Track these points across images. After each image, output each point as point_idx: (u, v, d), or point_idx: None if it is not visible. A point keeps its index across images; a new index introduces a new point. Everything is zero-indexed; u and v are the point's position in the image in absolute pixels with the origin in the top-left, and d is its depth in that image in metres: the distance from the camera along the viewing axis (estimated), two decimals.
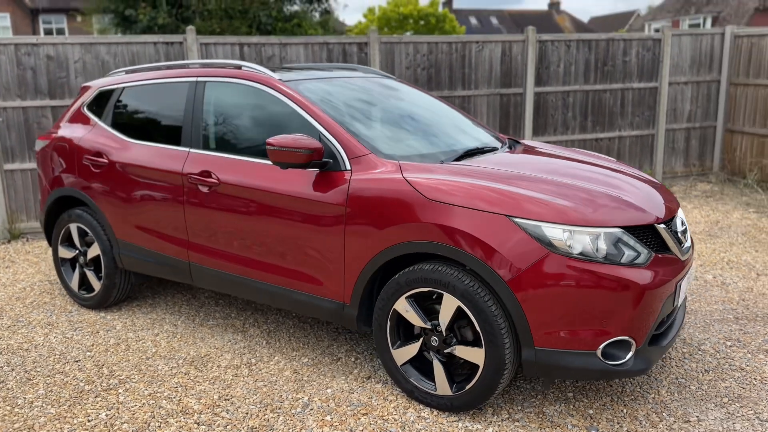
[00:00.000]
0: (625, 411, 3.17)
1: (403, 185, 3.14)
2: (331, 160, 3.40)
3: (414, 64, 7.61)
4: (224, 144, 3.91)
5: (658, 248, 3.05)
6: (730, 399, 3.27)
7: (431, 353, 3.17)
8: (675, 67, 8.75)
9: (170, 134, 4.13)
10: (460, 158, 3.57)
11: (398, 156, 3.41)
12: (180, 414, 3.23)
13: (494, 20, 58.64)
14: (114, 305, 4.69)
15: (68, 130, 4.67)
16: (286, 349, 3.95)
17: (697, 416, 3.11)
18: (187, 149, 3.98)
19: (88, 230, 4.52)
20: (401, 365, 3.27)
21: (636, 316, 2.85)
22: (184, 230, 3.98)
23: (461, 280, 2.97)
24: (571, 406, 3.22)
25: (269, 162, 3.62)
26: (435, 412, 3.17)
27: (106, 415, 3.24)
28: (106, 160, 4.32)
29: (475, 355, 3.00)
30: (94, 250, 4.54)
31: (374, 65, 7.40)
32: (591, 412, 3.17)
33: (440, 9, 43.87)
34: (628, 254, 2.88)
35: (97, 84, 4.73)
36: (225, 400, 3.36)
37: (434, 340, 3.13)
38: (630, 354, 2.89)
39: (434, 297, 3.12)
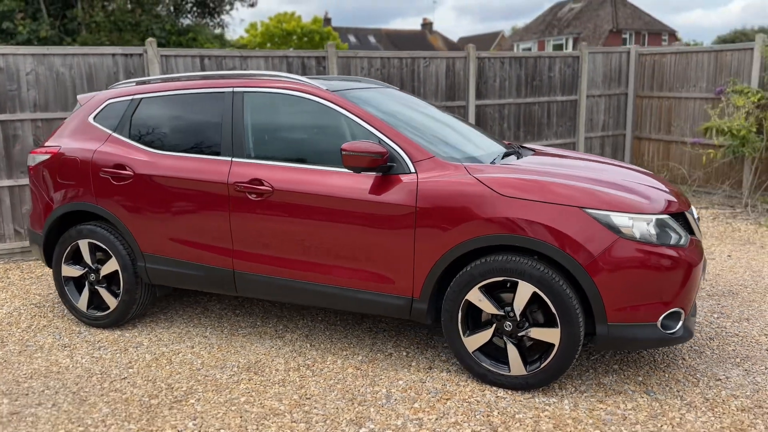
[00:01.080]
0: (666, 376, 3.64)
1: (476, 185, 3.43)
2: (394, 164, 3.62)
3: (369, 77, 7.90)
4: (273, 152, 3.99)
5: (689, 232, 3.56)
6: (741, 359, 3.84)
7: (504, 338, 3.46)
8: (591, 81, 9.71)
9: (206, 144, 4.13)
10: (496, 160, 3.91)
11: (455, 158, 3.69)
12: (271, 415, 3.29)
13: (372, 38, 60.22)
14: (126, 323, 4.54)
15: (75, 143, 4.48)
16: (335, 349, 4.07)
17: (724, 374, 3.64)
18: (229, 159, 4.01)
19: (103, 245, 4.37)
20: (473, 352, 3.54)
21: (685, 289, 3.33)
22: (229, 238, 4.00)
23: (536, 268, 3.30)
24: (622, 376, 3.64)
25: (325, 168, 3.78)
26: (510, 392, 3.47)
27: (194, 425, 3.22)
28: (130, 173, 4.22)
29: (551, 335, 3.34)
30: (111, 266, 4.39)
31: (332, 73, 7.60)
32: (640, 378, 3.61)
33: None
34: (674, 237, 3.35)
35: (104, 96, 4.58)
36: (307, 398, 3.45)
37: (507, 325, 3.43)
38: (680, 323, 3.36)
39: (508, 285, 3.42)
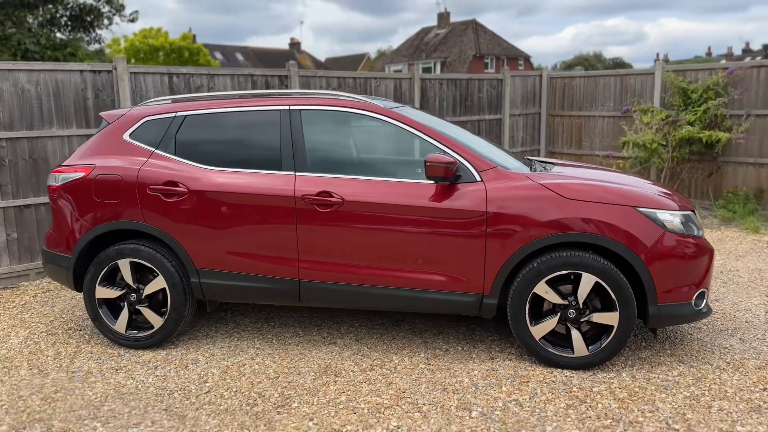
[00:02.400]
0: (687, 348, 4.32)
1: (543, 190, 3.91)
2: (461, 174, 4.01)
3: None
4: (336, 166, 4.21)
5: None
6: (732, 331, 4.62)
7: (567, 324, 3.96)
8: (512, 102, 10.65)
9: (264, 160, 4.26)
10: (533, 170, 4.43)
11: (508, 168, 4.15)
12: (382, 408, 3.52)
13: (239, 56, 59.59)
14: (166, 343, 4.47)
15: (112, 161, 4.39)
16: (394, 350, 4.35)
17: (728, 344, 4.38)
18: (291, 173, 4.17)
19: (148, 264, 4.31)
20: (539, 339, 4.00)
21: (708, 272, 4.02)
22: (294, 249, 4.15)
23: (598, 261, 3.84)
24: (654, 351, 4.27)
25: (391, 179, 4.11)
26: (573, 372, 3.96)
27: (314, 424, 3.38)
28: (184, 189, 4.23)
29: (611, 318, 3.88)
30: (156, 285, 4.34)
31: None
32: (669, 352, 4.26)
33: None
34: (695, 229, 4.04)
35: (140, 113, 4.53)
36: (402, 392, 3.71)
37: (571, 313, 3.93)
38: (705, 301, 4.05)
39: (572, 277, 3.93)
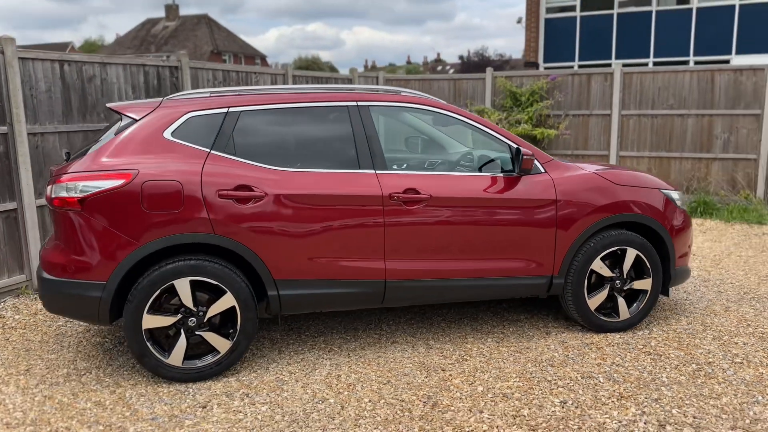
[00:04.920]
0: (706, 310, 5.29)
1: (598, 178, 4.46)
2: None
3: (212, 88, 7.65)
4: (413, 162, 4.19)
5: None
6: (737, 300, 5.72)
7: (615, 293, 4.58)
8: None
9: (340, 158, 4.04)
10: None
11: (555, 159, 4.62)
12: (537, 386, 3.71)
13: None
14: (226, 371, 3.96)
15: (163, 164, 3.70)
16: (458, 340, 4.49)
17: (753, 309, 5.32)
18: (371, 171, 4.04)
19: (213, 281, 3.77)
20: (594, 310, 4.55)
21: (692, 239, 5.02)
22: (381, 249, 4.04)
23: (638, 237, 4.54)
24: (660, 309, 5.13)
25: (469, 173, 4.29)
26: (620, 334, 4.60)
27: (488, 415, 3.45)
28: (260, 193, 3.79)
29: (646, 284, 4.61)
30: (223, 304, 3.82)
31: (186, 86, 7.17)
32: (676, 309, 5.17)
33: None
34: (682, 206, 5.00)
35: (181, 108, 3.87)
36: (528, 373, 3.94)
37: (617, 283, 4.57)
38: (689, 263, 5.04)
39: (618, 253, 4.55)
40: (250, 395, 3.68)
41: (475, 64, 45.93)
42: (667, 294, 4.81)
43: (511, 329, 4.70)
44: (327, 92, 4.21)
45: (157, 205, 3.66)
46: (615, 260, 4.56)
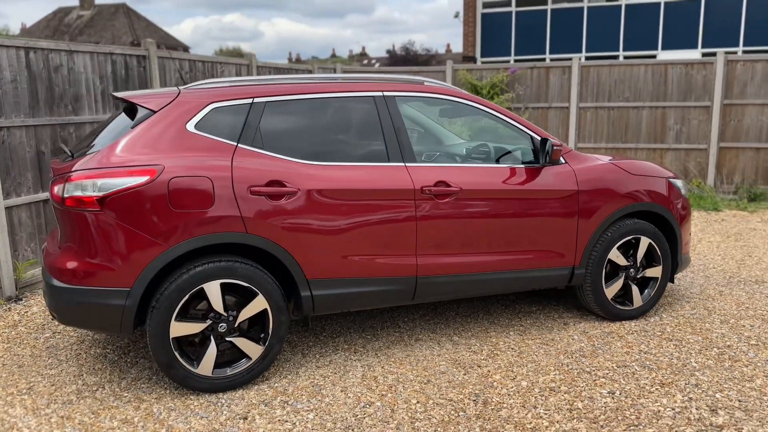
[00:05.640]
0: (702, 294, 5.42)
1: (614, 168, 4.49)
2: None
3: (179, 78, 7.28)
4: (440, 154, 4.08)
5: None
6: (725, 284, 5.90)
7: (629, 281, 4.65)
8: None
9: (369, 151, 3.87)
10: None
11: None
12: (578, 378, 3.70)
13: None
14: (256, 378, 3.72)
15: (189, 158, 3.41)
16: (481, 335, 4.43)
17: (744, 292, 5.50)
18: (401, 164, 3.90)
19: (244, 284, 3.53)
20: (610, 298, 4.60)
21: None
22: (413, 245, 3.91)
23: (650, 226, 4.61)
24: (669, 295, 5.24)
25: (495, 165, 4.22)
26: (635, 322, 4.67)
27: (544, 410, 3.40)
28: (293, 189, 3.57)
29: (657, 271, 4.71)
30: (255, 308, 3.58)
31: (154, 77, 6.78)
32: (684, 294, 5.29)
33: None
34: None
35: (200, 98, 3.58)
36: (564, 365, 3.92)
37: (631, 272, 4.64)
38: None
39: (633, 242, 4.61)
40: (290, 402, 3.47)
41: (402, 58, 46.16)
42: (672, 281, 4.93)
43: (528, 321, 4.68)
44: (351, 82, 4.02)
45: (186, 204, 3.38)
46: (627, 249, 4.61)
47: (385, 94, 3.99)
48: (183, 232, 3.37)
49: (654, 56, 20.33)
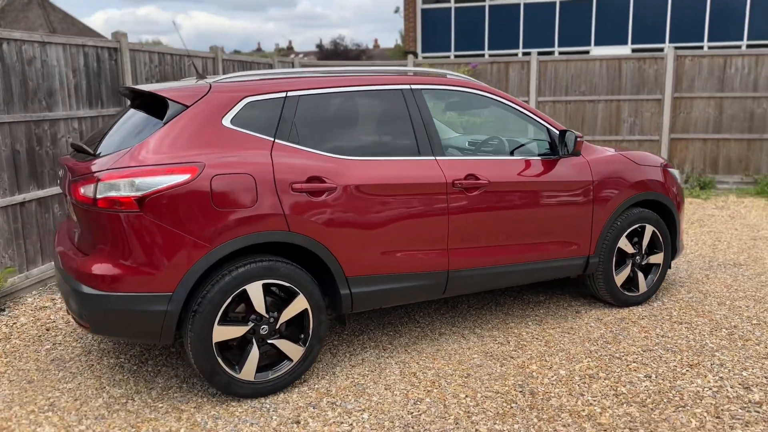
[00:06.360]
0: (691, 279, 5.64)
1: (623, 159, 4.63)
2: None
3: (150, 72, 6.96)
4: (468, 147, 4.07)
5: None
6: (707, 268, 6.14)
7: (635, 268, 4.80)
8: None
9: (401, 145, 3.82)
10: None
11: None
12: (612, 364, 3.79)
13: None
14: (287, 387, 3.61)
15: (230, 155, 3.25)
16: (502, 327, 4.47)
17: (728, 275, 5.73)
18: (431, 157, 3.87)
19: (287, 283, 3.42)
20: (619, 286, 4.74)
21: None
22: (445, 239, 3.89)
23: (654, 214, 4.79)
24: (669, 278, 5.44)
25: (518, 158, 4.26)
26: (642, 307, 4.84)
27: (594, 397, 3.47)
28: (332, 185, 3.47)
29: (659, 258, 4.89)
30: (295, 308, 3.47)
31: (126, 70, 6.46)
32: (684, 279, 5.50)
33: None
34: None
35: (233, 91, 3.42)
36: (593, 352, 4.01)
37: (637, 259, 4.80)
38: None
39: (639, 230, 4.76)
40: (337, 403, 3.39)
41: (331, 52, 45.93)
42: (670, 266, 5.13)
43: (541, 311, 4.75)
44: (380, 75, 3.95)
45: (230, 202, 3.22)
46: (632, 237, 4.76)
47: (413, 87, 3.94)
48: (227, 232, 3.21)
49: (587, 52, 21.08)
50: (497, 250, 4.11)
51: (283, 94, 3.54)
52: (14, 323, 4.59)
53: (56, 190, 5.53)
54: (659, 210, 4.90)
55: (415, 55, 21.73)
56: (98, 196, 3.09)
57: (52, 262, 5.52)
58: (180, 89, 3.42)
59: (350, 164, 3.58)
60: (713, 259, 6.16)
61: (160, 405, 3.39)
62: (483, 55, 21.36)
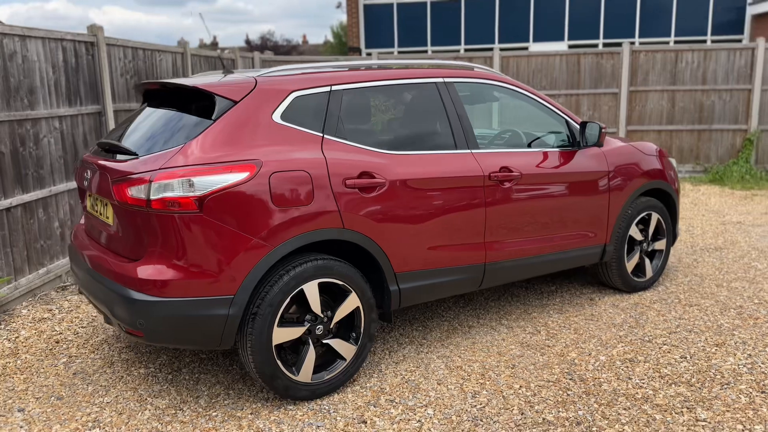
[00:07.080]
0: (682, 263, 5.87)
1: (633, 149, 4.79)
2: None
3: (125, 67, 6.65)
4: (501, 140, 4.10)
5: None
6: (693, 253, 6.39)
7: (643, 254, 4.98)
8: None
9: (439, 138, 3.81)
10: None
11: None
12: (649, 346, 3.91)
13: None
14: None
15: (286, 152, 3.14)
16: (527, 318, 4.54)
17: (714, 259, 6.05)
18: (467, 151, 3.88)
19: (340, 282, 3.35)
20: (630, 272, 4.91)
21: None
22: (482, 232, 3.91)
23: (659, 202, 4.98)
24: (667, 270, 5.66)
25: (546, 149, 4.34)
26: (650, 291, 5.02)
27: (657, 385, 3.58)
28: (382, 180, 3.42)
29: (662, 244, 5.10)
30: (348, 306, 3.41)
31: (103, 65, 6.15)
32: (685, 261, 5.72)
33: None
34: None
35: (281, 86, 3.30)
36: (624, 335, 4.13)
37: (645, 246, 4.98)
38: None
39: (646, 217, 4.94)
40: (397, 401, 3.35)
41: (260, 48, 45.21)
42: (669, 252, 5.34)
43: (557, 300, 4.86)
44: (415, 68, 3.92)
45: (287, 200, 3.12)
46: (639, 225, 4.94)
47: (446, 80, 3.94)
48: (286, 230, 3.11)
49: (526, 48, 21.64)
50: (528, 241, 4.17)
51: (328, 88, 3.46)
52: (16, 337, 4.28)
53: (40, 194, 5.19)
54: (661, 198, 5.09)
55: (359, 51, 21.68)
56: (152, 197, 2.92)
57: (45, 269, 5.19)
58: (225, 84, 3.28)
59: (396, 159, 3.54)
60: (695, 245, 6.46)
61: (214, 413, 3.25)
62: (426, 51, 21.54)
